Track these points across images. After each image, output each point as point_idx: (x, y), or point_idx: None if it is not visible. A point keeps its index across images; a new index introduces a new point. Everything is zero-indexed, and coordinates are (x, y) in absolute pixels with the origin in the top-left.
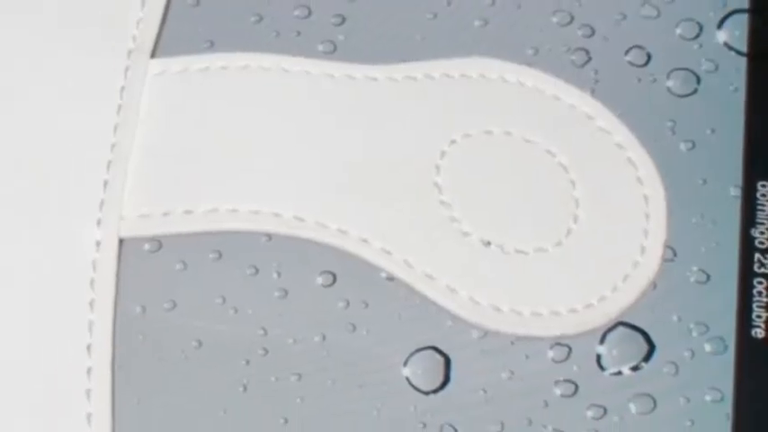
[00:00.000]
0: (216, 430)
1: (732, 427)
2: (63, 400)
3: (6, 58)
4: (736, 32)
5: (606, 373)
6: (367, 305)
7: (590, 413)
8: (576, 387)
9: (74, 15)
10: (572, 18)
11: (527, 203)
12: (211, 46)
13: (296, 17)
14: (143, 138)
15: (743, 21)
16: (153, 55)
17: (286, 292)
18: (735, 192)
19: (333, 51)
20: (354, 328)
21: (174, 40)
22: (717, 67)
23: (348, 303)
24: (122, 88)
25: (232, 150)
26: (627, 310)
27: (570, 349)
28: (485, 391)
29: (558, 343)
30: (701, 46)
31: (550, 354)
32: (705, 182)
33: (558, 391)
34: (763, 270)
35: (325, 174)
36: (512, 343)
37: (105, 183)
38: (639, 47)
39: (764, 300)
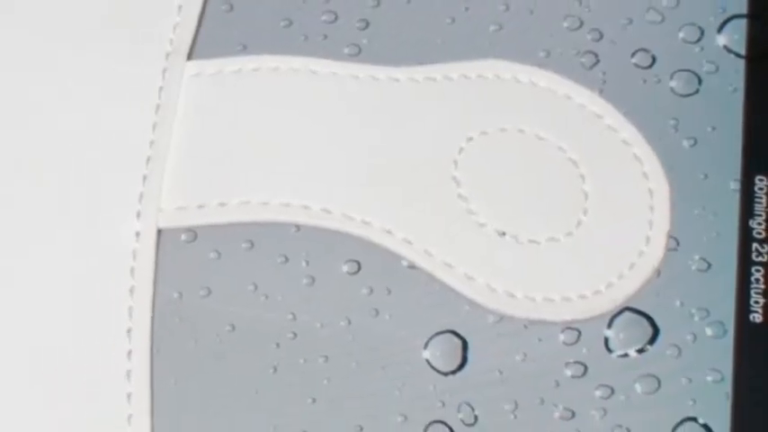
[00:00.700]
0: (248, 409)
1: (732, 405)
2: (105, 381)
3: (53, 61)
4: (736, 36)
5: (614, 355)
6: (390, 292)
7: (598, 393)
8: (586, 368)
9: (116, 20)
10: (581, 23)
11: (539, 196)
12: (244, 49)
13: (323, 22)
14: (180, 135)
15: (742, 25)
16: (189, 57)
17: (314, 280)
18: (734, 185)
19: (357, 54)
20: (378, 313)
21: (208, 44)
22: (717, 69)
23: (372, 290)
24: (161, 89)
25: (263, 146)
26: (633, 296)
27: (580, 333)
28: (500, 372)
29: (568, 327)
30: (702, 49)
31: (561, 337)
32: (706, 176)
33: (568, 372)
34: (760, 259)
35: (350, 169)
36: (525, 327)
37: (144, 177)
38: (645, 50)
39: (762, 286)
